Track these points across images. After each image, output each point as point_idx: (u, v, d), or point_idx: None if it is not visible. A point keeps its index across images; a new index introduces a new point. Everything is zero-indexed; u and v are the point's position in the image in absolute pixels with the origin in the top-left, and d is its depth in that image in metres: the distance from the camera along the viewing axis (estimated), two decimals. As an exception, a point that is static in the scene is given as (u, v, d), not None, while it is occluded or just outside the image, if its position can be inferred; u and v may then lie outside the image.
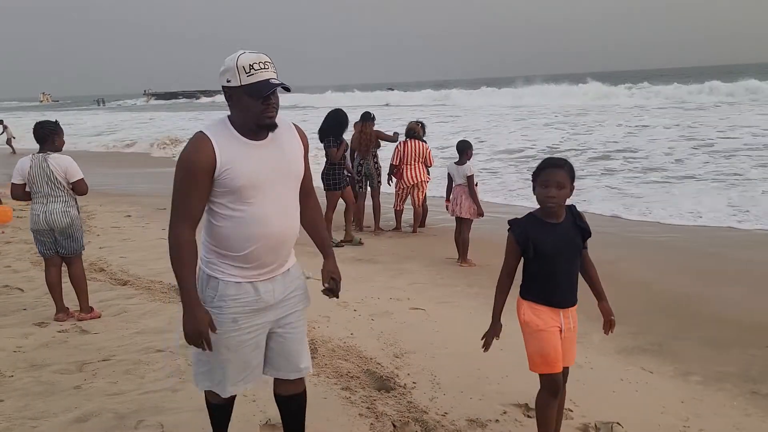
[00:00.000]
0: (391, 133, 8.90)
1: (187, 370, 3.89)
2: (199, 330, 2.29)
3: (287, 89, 2.27)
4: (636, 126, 22.50)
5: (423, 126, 8.75)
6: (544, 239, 2.70)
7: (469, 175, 6.69)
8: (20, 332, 4.66)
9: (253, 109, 2.22)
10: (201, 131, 2.27)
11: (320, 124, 7.70)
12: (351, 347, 4.26)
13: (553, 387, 2.79)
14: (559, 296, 2.76)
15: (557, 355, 2.75)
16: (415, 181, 8.18)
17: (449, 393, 3.58)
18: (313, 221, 2.61)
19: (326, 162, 7.62)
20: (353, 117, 8.30)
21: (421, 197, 8.37)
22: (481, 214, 6.76)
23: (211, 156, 2.21)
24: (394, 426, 3.19)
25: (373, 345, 4.32)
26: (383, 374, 3.80)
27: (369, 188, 8.71)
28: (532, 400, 3.35)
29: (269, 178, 2.30)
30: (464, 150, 6.82)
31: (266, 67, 2.21)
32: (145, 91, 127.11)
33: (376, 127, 8.69)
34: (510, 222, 2.81)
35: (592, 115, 28.46)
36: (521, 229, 2.74)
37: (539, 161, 2.81)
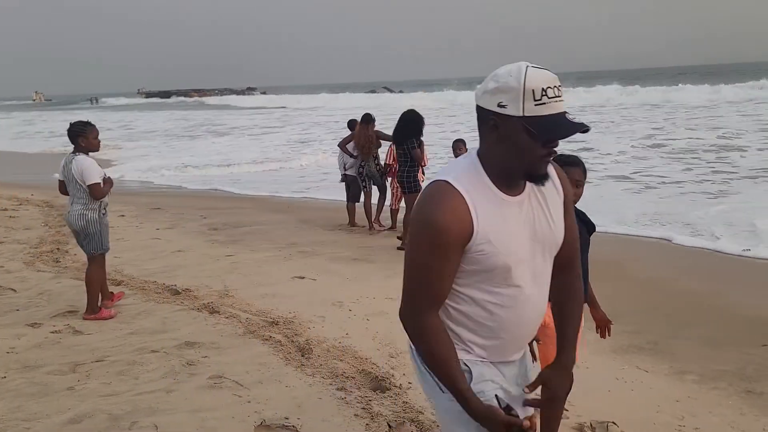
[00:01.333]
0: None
1: (182, 371, 3.88)
2: (495, 420, 1.64)
3: (586, 130, 1.57)
4: (613, 123, 22.63)
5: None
6: None
7: None
8: (13, 333, 4.63)
9: (532, 153, 1.57)
10: (447, 181, 1.61)
11: (395, 125, 7.60)
12: (346, 347, 4.24)
13: None
14: None
15: None
16: (409, 180, 8.18)
17: (445, 393, 3.57)
18: (565, 304, 1.87)
19: (407, 164, 7.45)
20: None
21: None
22: None
23: (466, 222, 1.58)
24: (390, 426, 3.18)
25: (368, 345, 4.31)
26: (379, 374, 3.79)
27: (374, 188, 8.78)
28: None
29: (530, 251, 1.69)
30: (454, 148, 6.88)
31: (559, 93, 1.56)
32: (138, 89, 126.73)
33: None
34: None
35: (587, 116, 28.52)
36: None
37: None
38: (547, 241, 1.72)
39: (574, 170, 2.73)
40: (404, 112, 7.70)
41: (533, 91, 1.52)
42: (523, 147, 1.57)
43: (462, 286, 1.68)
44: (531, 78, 1.53)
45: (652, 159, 14.34)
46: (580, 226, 2.82)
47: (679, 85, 40.73)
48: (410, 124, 7.43)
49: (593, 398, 3.44)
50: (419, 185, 7.43)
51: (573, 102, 36.39)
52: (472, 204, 1.59)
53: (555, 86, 1.54)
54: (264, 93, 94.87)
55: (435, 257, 1.60)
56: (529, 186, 1.68)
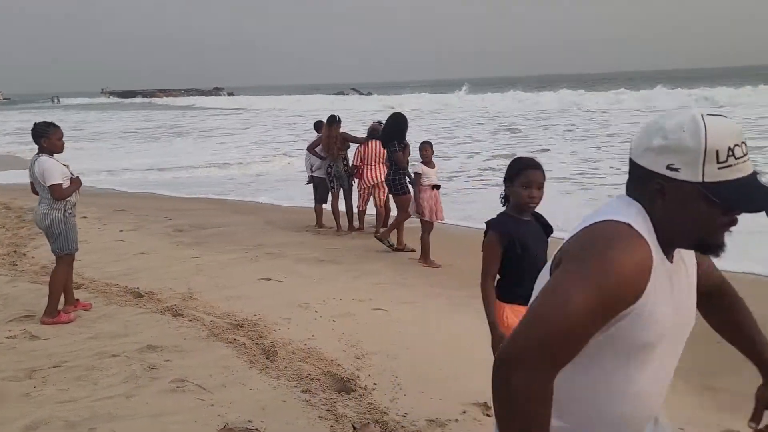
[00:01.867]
0: (359, 135, 8.95)
1: (143, 375, 3.80)
2: None
3: None
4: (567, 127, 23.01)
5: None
6: (525, 235, 2.77)
7: (412, 173, 6.84)
8: (-34, 339, 4.48)
9: (710, 223, 1.27)
10: (630, 225, 1.28)
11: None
12: (312, 349, 4.21)
13: None
14: None
15: None
16: (376, 182, 8.19)
17: (410, 393, 3.58)
18: (733, 305, 1.67)
19: (392, 167, 7.45)
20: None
21: (383, 198, 8.37)
22: (417, 212, 6.79)
23: (643, 281, 1.26)
24: (354, 428, 3.16)
25: (334, 346, 4.28)
26: (344, 376, 3.77)
27: (341, 189, 8.76)
28: (491, 400, 3.38)
29: (675, 326, 1.38)
30: (420, 149, 6.91)
31: (746, 150, 1.25)
32: (102, 89, 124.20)
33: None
34: (489, 223, 2.84)
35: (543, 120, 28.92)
36: (505, 228, 2.78)
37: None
38: (686, 320, 1.43)
39: (537, 173, 2.79)
40: (390, 115, 7.77)
41: (717, 152, 1.21)
42: (701, 217, 1.26)
43: (583, 355, 1.29)
44: (713, 134, 1.22)
45: (602, 161, 14.62)
46: (540, 228, 2.88)
47: (660, 87, 40.24)
48: (394, 127, 7.50)
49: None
50: (406, 188, 7.41)
51: (539, 105, 36.86)
52: (654, 260, 1.28)
53: (742, 142, 1.23)
54: (231, 94, 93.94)
55: (593, 312, 1.23)
56: (678, 251, 1.37)
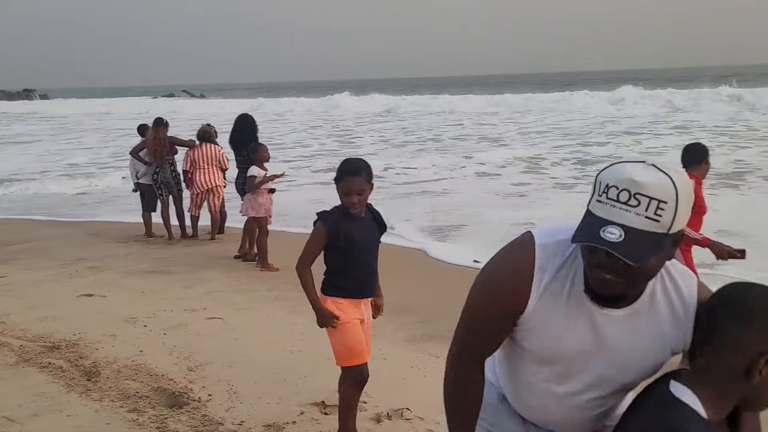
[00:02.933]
0: (187, 139, 8.54)
1: (-65, 414, 3.32)
2: None
3: (634, 262, 1.22)
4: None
5: (214, 129, 8.51)
6: (351, 230, 2.84)
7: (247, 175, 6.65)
8: None
9: (586, 260, 1.33)
10: (535, 243, 1.41)
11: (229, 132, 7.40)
12: (140, 365, 3.97)
13: (360, 378, 2.93)
14: (362, 286, 2.93)
15: (362, 346, 2.92)
16: (209, 186, 7.91)
17: (246, 401, 3.51)
18: None
19: (246, 171, 6.78)
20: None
21: (217, 203, 8.11)
22: (247, 213, 6.71)
23: (521, 296, 1.40)
24: (187, 443, 3.03)
25: (165, 360, 4.07)
26: (176, 390, 3.60)
27: (171, 196, 8.31)
28: (329, 397, 3.42)
29: (584, 359, 1.44)
30: (252, 151, 6.79)
31: (626, 200, 1.23)
32: None
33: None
34: (320, 214, 2.90)
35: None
36: (332, 220, 2.84)
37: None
38: (609, 373, 1.45)
39: (355, 180, 2.81)
40: (238, 117, 7.53)
41: (600, 183, 1.28)
42: (583, 250, 1.33)
43: (514, 342, 1.53)
44: (610, 171, 1.28)
45: (403, 155, 15.55)
46: (374, 225, 2.98)
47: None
48: (245, 129, 7.28)
49: (390, 388, 3.60)
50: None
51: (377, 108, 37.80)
52: (538, 283, 1.39)
53: (625, 189, 1.23)
54: (45, 96, 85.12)
55: (484, 309, 1.48)
56: (635, 307, 1.38)
